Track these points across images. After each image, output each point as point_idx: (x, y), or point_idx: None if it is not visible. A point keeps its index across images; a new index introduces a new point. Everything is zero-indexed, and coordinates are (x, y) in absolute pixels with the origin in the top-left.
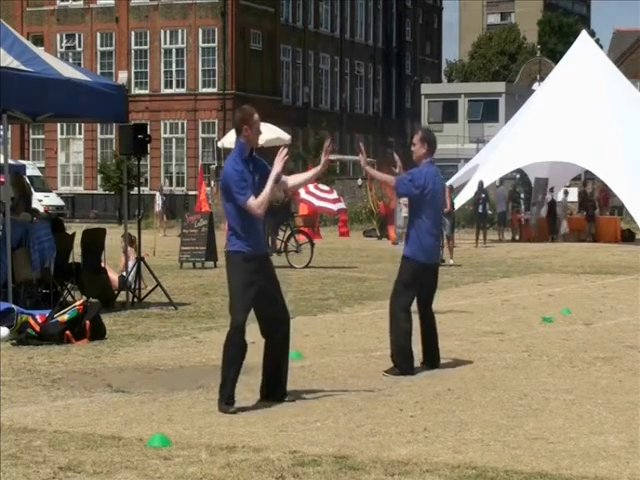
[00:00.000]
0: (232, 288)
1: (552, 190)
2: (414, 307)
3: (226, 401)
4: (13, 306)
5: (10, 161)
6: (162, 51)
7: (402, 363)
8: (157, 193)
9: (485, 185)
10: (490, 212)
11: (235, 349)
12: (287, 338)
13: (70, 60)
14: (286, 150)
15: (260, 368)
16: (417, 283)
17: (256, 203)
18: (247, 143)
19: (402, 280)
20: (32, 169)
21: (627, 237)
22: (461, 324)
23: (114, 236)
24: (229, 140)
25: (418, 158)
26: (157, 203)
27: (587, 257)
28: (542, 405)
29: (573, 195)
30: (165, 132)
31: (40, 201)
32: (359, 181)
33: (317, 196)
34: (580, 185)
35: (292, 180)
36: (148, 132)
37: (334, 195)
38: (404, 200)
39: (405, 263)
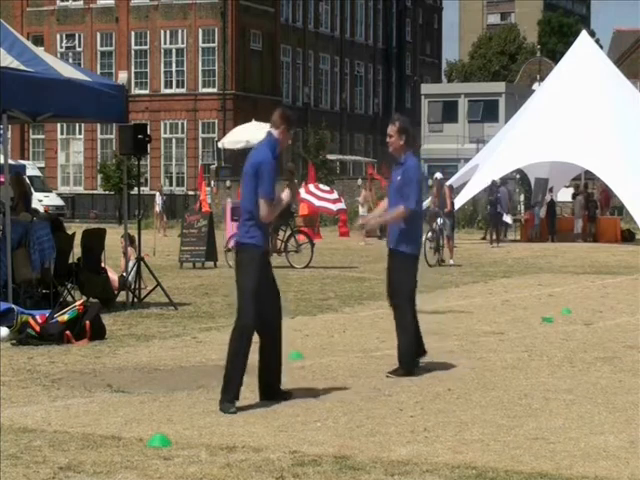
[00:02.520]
0: (247, 283)
1: (552, 190)
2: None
3: (229, 400)
4: (13, 306)
5: (10, 161)
6: (162, 51)
7: (409, 364)
8: (157, 193)
9: (486, 186)
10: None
11: (245, 348)
12: (280, 335)
13: (70, 60)
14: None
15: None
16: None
17: (271, 210)
18: (280, 141)
19: (410, 279)
20: (32, 169)
21: (627, 237)
22: (461, 324)
23: (114, 236)
24: (229, 140)
25: (396, 150)
26: (157, 203)
27: (587, 257)
28: (542, 405)
29: (567, 195)
30: (165, 132)
31: (40, 201)
32: (359, 181)
33: (317, 196)
34: (581, 186)
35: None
36: (148, 132)
37: (334, 195)
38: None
39: (410, 260)
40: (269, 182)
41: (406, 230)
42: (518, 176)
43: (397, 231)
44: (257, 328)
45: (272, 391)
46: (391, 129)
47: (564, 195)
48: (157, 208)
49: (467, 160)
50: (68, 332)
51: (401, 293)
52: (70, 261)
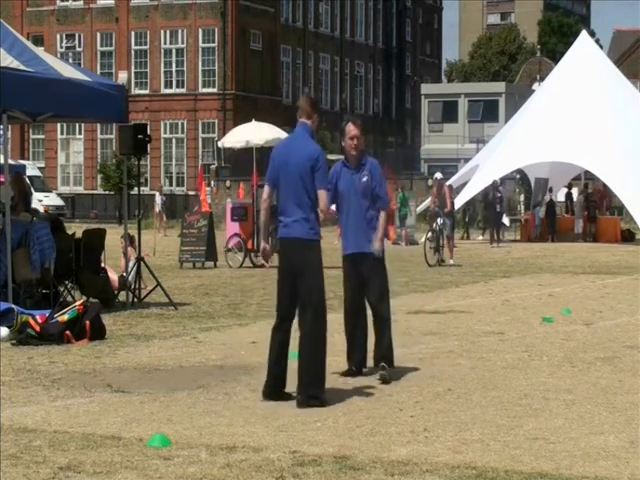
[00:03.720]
0: (321, 275)
1: (551, 190)
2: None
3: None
4: (13, 306)
5: (10, 161)
6: (162, 51)
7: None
8: (157, 193)
9: (485, 186)
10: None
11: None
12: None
13: (70, 60)
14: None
15: (260, 368)
16: None
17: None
18: (315, 130)
19: (385, 276)
20: (32, 169)
21: (627, 237)
22: (461, 324)
23: (114, 236)
24: (229, 140)
25: (361, 151)
26: (157, 203)
27: (587, 257)
28: (542, 405)
29: (562, 195)
30: (165, 132)
31: (40, 201)
32: None
33: None
34: (581, 185)
35: None
36: (148, 132)
37: None
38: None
39: (383, 261)
40: (326, 173)
41: (370, 228)
42: (518, 176)
43: (361, 232)
44: (289, 322)
45: (278, 392)
46: (356, 130)
47: (564, 195)
48: (157, 208)
49: (467, 160)
50: (68, 332)
51: (385, 297)
52: (70, 255)
